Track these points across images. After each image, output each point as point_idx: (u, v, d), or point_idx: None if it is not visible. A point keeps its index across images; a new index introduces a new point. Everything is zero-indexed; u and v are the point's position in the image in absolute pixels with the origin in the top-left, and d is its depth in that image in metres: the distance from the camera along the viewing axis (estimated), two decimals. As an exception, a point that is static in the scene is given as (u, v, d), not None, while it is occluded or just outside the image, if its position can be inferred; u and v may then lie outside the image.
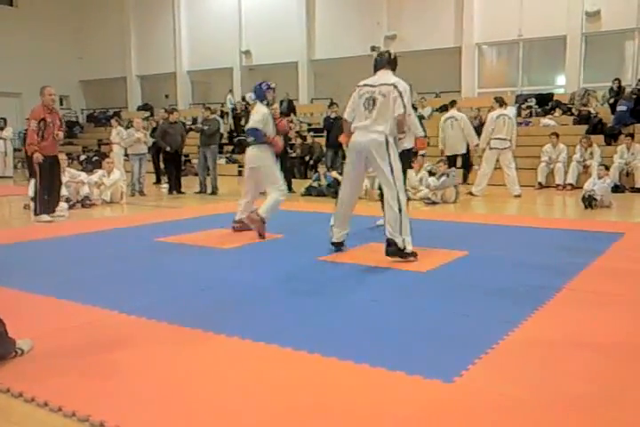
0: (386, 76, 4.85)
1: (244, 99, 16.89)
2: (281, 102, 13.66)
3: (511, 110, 11.39)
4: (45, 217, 7.35)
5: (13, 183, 13.92)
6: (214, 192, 10.73)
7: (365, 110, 4.77)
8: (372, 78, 4.88)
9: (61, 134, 7.58)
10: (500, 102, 9.96)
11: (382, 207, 4.93)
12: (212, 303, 3.71)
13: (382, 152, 4.73)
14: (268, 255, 5.25)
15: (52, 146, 7.41)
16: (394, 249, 4.74)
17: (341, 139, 5.57)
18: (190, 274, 4.50)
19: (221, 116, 17.22)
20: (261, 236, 5.88)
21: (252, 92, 6.47)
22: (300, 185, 10.65)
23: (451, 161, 10.57)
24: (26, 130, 7.80)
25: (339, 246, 5.22)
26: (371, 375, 2.56)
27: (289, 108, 15.72)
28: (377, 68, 4.91)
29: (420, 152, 6.32)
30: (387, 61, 4.91)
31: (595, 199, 8.14)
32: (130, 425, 2.14)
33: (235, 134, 16.68)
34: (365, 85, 4.84)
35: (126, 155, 11.27)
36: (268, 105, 6.36)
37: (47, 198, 7.43)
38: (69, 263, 4.95)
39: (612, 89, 13.02)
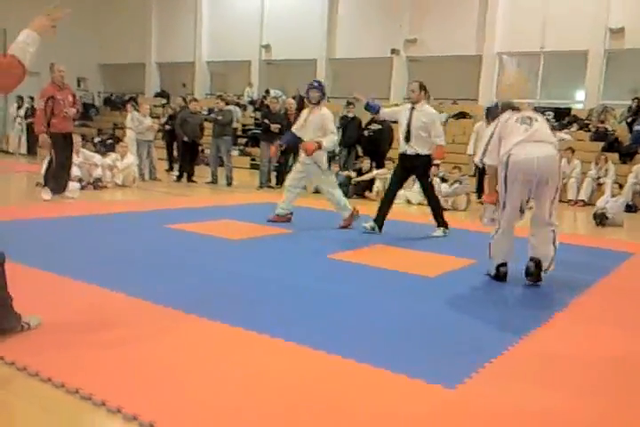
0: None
1: (267, 92, 16.86)
2: (293, 98, 13.63)
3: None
4: (47, 195, 7.32)
5: (27, 161, 13.99)
6: (230, 183, 10.74)
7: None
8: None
9: (73, 110, 7.43)
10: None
11: None
12: (216, 292, 3.71)
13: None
14: (276, 250, 5.24)
15: (64, 122, 7.32)
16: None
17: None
18: (196, 262, 4.50)
19: (239, 108, 17.23)
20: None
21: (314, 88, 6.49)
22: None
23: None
24: (33, 107, 7.73)
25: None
26: (372, 376, 2.56)
27: (300, 104, 15.71)
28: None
29: (435, 161, 6.20)
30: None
31: (606, 217, 8.09)
32: (132, 405, 2.14)
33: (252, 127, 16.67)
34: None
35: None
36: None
37: (55, 176, 7.38)
38: (78, 244, 4.96)
39: (630, 108, 12.94)
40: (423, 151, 6.16)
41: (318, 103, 6.45)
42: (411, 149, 6.19)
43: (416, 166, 6.22)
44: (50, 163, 7.47)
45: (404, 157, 6.31)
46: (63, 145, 7.37)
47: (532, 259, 4.38)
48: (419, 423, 2.18)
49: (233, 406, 2.22)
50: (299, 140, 6.51)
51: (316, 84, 6.57)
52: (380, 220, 6.30)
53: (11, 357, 2.49)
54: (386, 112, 6.70)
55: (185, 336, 2.90)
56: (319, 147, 6.27)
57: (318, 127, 6.37)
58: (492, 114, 4.92)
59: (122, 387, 2.30)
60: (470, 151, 10.53)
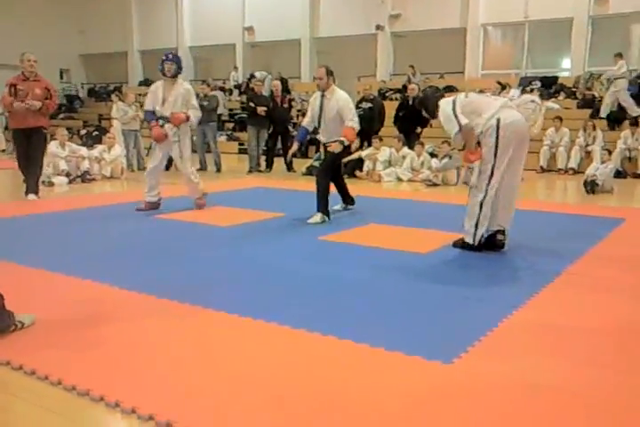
0: None
1: (253, 76, 16.72)
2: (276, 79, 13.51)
3: (515, 92, 11.30)
4: (32, 196, 7.10)
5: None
6: (219, 169, 10.69)
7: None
8: None
9: (36, 103, 6.75)
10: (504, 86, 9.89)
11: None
12: (210, 280, 3.71)
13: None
14: (269, 234, 5.24)
15: (23, 117, 6.80)
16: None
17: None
18: (189, 251, 4.50)
19: (224, 93, 17.08)
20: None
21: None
22: (300, 164, 10.61)
23: None
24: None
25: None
26: (370, 355, 2.57)
27: (283, 87, 15.62)
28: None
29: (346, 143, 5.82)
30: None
31: (597, 184, 8.11)
32: (130, 399, 2.14)
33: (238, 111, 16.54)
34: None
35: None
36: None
37: (25, 176, 7.09)
38: (68, 238, 4.95)
39: (617, 73, 12.88)
40: (340, 136, 5.77)
41: (175, 76, 6.18)
42: (325, 138, 5.95)
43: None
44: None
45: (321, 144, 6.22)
46: (24, 142, 6.97)
47: (502, 231, 4.46)
48: (420, 399, 2.20)
49: (233, 391, 2.23)
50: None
51: (170, 56, 6.21)
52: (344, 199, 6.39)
53: (6, 356, 2.49)
54: (308, 120, 6.11)
55: (181, 327, 2.90)
56: (187, 119, 6.18)
57: (184, 102, 6.18)
58: (428, 104, 4.72)
59: (119, 381, 2.31)
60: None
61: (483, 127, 4.30)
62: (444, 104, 4.45)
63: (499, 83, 12.65)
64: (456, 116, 4.31)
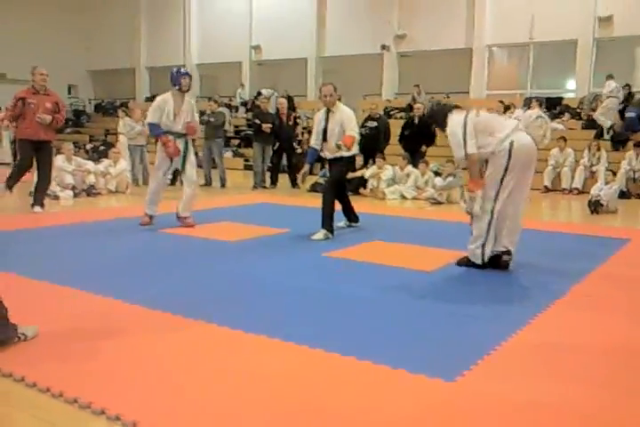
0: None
1: (259, 93, 16.86)
2: (282, 97, 13.62)
3: (519, 112, 11.35)
4: (38, 208, 7.17)
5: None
6: (223, 185, 10.74)
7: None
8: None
9: (47, 117, 6.88)
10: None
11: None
12: (214, 295, 3.70)
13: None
14: (273, 250, 5.24)
15: (34, 129, 6.89)
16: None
17: None
18: (193, 266, 4.50)
19: (230, 110, 17.20)
20: None
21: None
22: (306, 181, 10.61)
23: None
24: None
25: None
26: (373, 372, 2.56)
27: (289, 105, 15.74)
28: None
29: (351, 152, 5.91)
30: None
31: (601, 204, 8.11)
32: (131, 413, 2.13)
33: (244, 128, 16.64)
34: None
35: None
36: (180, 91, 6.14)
37: (9, 178, 7.20)
38: (73, 251, 4.96)
39: (621, 95, 12.97)
40: (344, 153, 5.87)
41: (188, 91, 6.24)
42: (329, 154, 5.98)
43: (338, 164, 6.02)
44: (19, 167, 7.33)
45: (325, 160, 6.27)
46: (33, 154, 7.03)
47: (508, 252, 4.45)
48: (422, 417, 2.18)
49: (235, 408, 2.21)
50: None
51: (184, 70, 6.19)
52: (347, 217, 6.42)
53: (8, 368, 2.48)
54: (315, 138, 6.09)
55: (185, 341, 2.89)
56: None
57: (191, 116, 6.26)
58: (437, 117, 4.66)
59: (120, 395, 2.30)
60: None
61: (495, 147, 4.30)
62: (456, 125, 4.40)
63: (501, 102, 12.74)
64: (465, 143, 4.32)
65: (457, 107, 4.65)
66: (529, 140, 4.37)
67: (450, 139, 4.45)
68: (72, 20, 21.72)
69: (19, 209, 7.43)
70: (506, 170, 4.28)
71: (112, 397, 2.26)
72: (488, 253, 4.46)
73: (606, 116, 12.31)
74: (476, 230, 4.47)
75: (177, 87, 6.08)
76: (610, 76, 12.54)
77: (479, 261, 4.49)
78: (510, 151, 4.25)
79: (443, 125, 4.57)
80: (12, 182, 7.36)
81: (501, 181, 4.31)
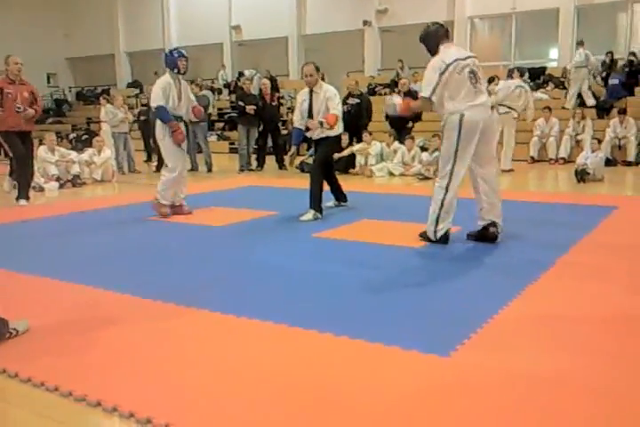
0: (460, 48, 4.79)
1: (241, 74, 16.68)
2: (266, 78, 13.49)
3: (502, 84, 11.29)
4: (23, 201, 7.04)
5: None
6: (210, 169, 10.67)
7: (471, 85, 4.34)
8: (452, 51, 4.48)
9: (30, 111, 6.81)
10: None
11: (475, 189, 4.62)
12: (205, 281, 3.69)
13: (495, 129, 4.70)
14: (262, 233, 5.22)
15: (15, 120, 6.76)
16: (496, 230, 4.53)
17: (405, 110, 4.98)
18: (183, 252, 4.49)
19: (213, 93, 17.04)
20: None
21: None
22: (294, 162, 10.56)
23: None
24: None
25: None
26: (367, 351, 2.57)
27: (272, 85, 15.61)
28: (440, 42, 4.54)
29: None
30: (448, 34, 4.62)
31: (587, 173, 8.14)
32: (127, 404, 2.13)
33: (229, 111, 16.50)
34: (457, 60, 4.37)
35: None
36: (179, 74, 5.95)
37: (17, 181, 7.05)
38: (60, 243, 4.92)
39: (604, 62, 12.93)
40: (330, 132, 5.84)
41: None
42: (315, 134, 5.92)
43: (324, 144, 5.98)
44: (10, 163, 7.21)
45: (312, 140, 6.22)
46: (18, 143, 6.85)
47: (493, 224, 4.48)
48: (418, 393, 2.20)
49: (232, 393, 2.22)
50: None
51: (180, 52, 5.90)
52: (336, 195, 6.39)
53: (1, 364, 2.47)
54: (298, 118, 6.02)
55: (178, 328, 2.89)
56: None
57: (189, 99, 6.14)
58: (430, 41, 4.63)
59: (115, 386, 2.29)
60: None
61: (444, 119, 4.34)
62: (437, 68, 4.36)
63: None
64: (434, 89, 4.33)
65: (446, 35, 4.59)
66: (482, 116, 4.31)
67: (426, 72, 4.47)
68: (48, 7, 21.29)
69: (3, 203, 7.36)
70: (457, 144, 4.29)
71: (107, 388, 2.26)
72: (442, 230, 4.47)
73: (575, 90, 12.18)
74: (431, 207, 4.49)
75: (175, 70, 5.90)
76: (580, 44, 12.33)
77: (433, 238, 4.50)
78: (460, 125, 4.25)
79: (431, 52, 4.58)
80: (22, 180, 7.17)
81: (455, 156, 4.31)
